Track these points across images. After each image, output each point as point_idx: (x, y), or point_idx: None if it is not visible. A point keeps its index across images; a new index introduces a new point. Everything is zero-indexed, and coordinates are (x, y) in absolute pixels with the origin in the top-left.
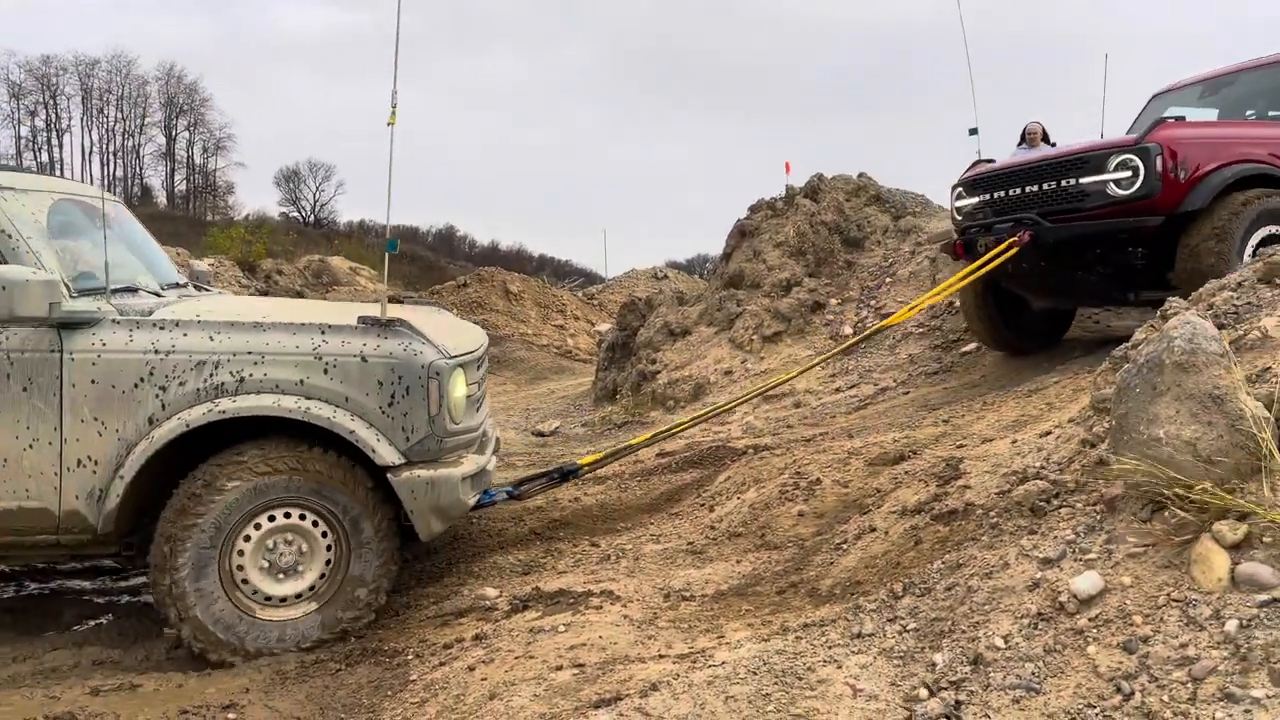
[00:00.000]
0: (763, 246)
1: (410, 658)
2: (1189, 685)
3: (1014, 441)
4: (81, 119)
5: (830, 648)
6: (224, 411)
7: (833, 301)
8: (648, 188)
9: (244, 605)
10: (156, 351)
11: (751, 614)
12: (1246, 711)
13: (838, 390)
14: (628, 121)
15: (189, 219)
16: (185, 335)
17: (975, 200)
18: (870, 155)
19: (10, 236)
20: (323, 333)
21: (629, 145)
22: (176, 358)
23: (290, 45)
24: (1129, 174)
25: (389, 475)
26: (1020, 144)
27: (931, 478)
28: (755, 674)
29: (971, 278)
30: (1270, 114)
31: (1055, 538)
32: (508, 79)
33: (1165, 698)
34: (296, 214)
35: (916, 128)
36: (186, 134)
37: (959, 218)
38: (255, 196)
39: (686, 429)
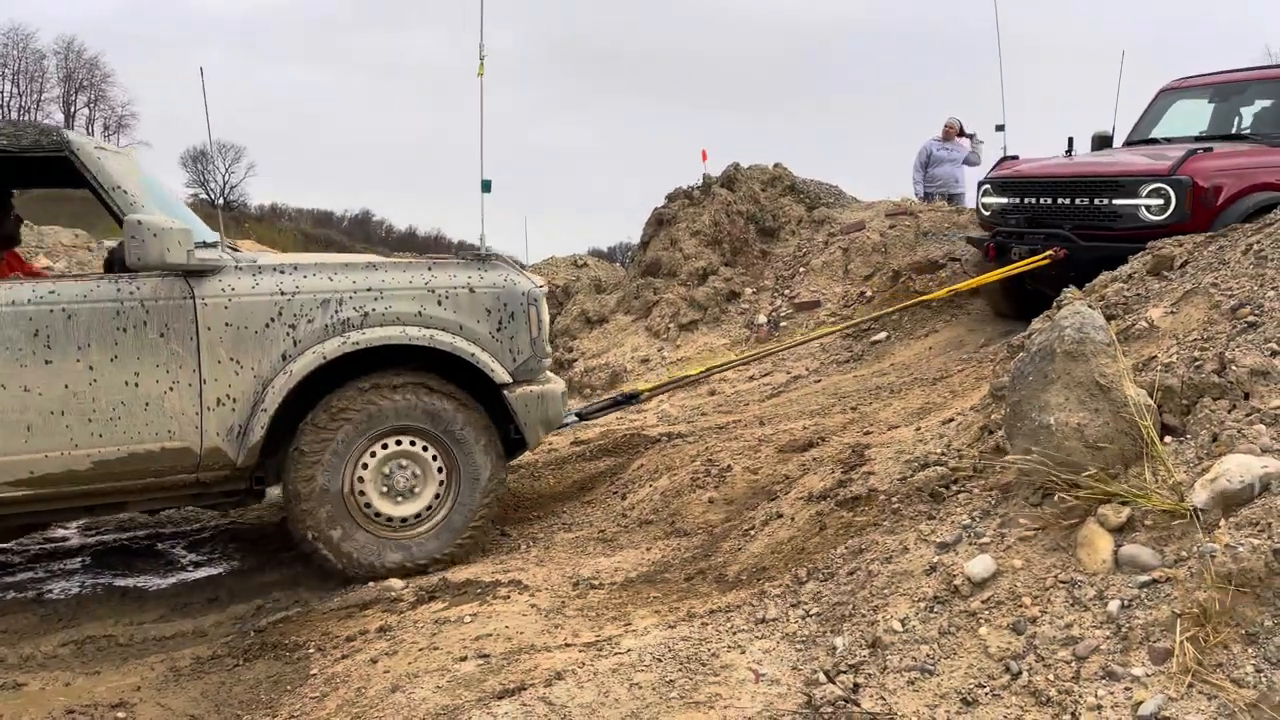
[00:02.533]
0: (680, 235)
1: (311, 651)
2: (1073, 664)
3: (918, 429)
4: None
5: (735, 633)
6: (356, 343)
7: (748, 291)
8: (571, 174)
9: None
10: (283, 293)
11: (659, 601)
12: (1127, 689)
13: (751, 378)
14: (551, 107)
15: (89, 199)
16: (306, 277)
17: (1005, 201)
18: (786, 147)
19: (127, 192)
20: (430, 269)
21: (552, 131)
22: (302, 298)
23: (199, 24)
24: (1161, 201)
25: (505, 392)
26: (937, 137)
27: (837, 464)
28: (660, 661)
29: (1000, 275)
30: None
31: (952, 522)
32: (428, 61)
33: (1051, 676)
34: (205, 196)
35: (832, 122)
36: (86, 110)
37: (985, 213)
38: (161, 177)
39: (737, 366)
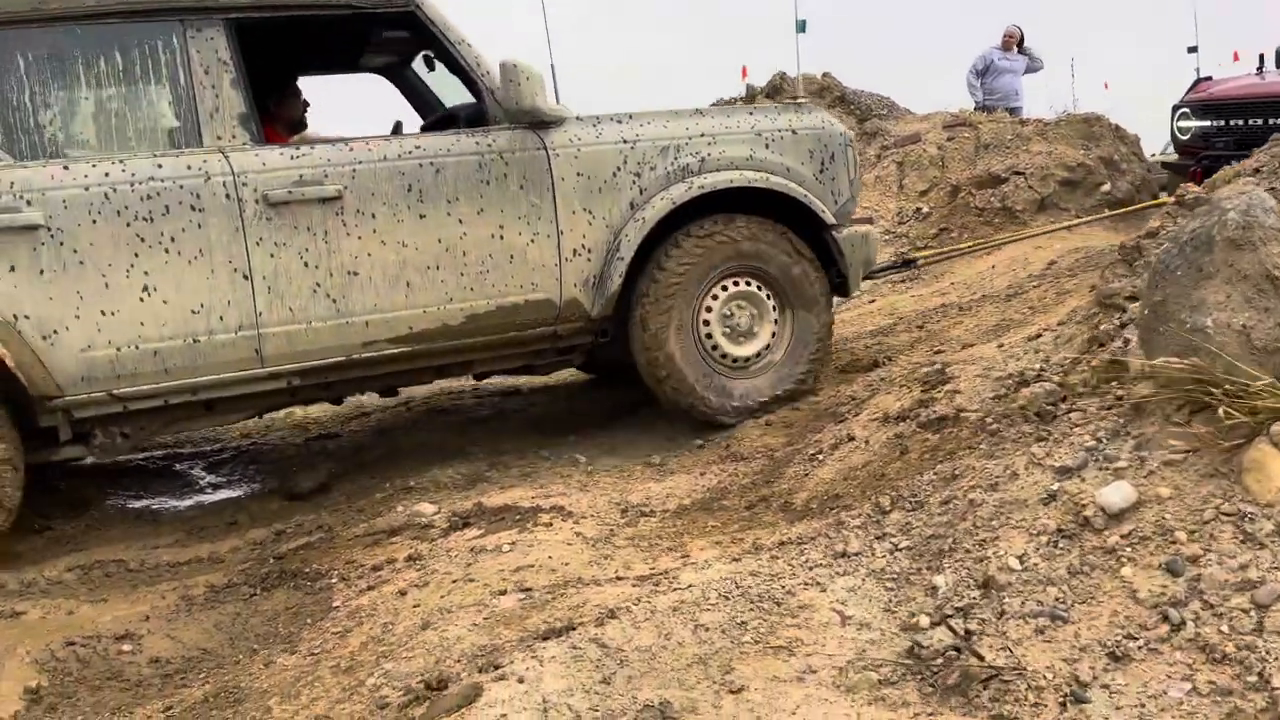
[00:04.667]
0: None
1: (334, 581)
2: (1253, 614)
3: (1001, 345)
4: None
5: (811, 568)
6: (702, 187)
7: None
8: (606, 89)
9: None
10: (625, 141)
11: (719, 531)
12: None
13: None
14: (587, 17)
15: None
16: (643, 126)
17: (1207, 124)
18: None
19: (471, 46)
20: (751, 114)
21: (587, 44)
22: (644, 146)
23: None
24: None
25: (833, 233)
26: (996, 46)
27: (914, 383)
28: (727, 599)
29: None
30: None
31: (1072, 444)
32: None
33: (1225, 628)
34: None
35: (879, 40)
36: None
37: (1182, 138)
38: None
39: (1021, 240)
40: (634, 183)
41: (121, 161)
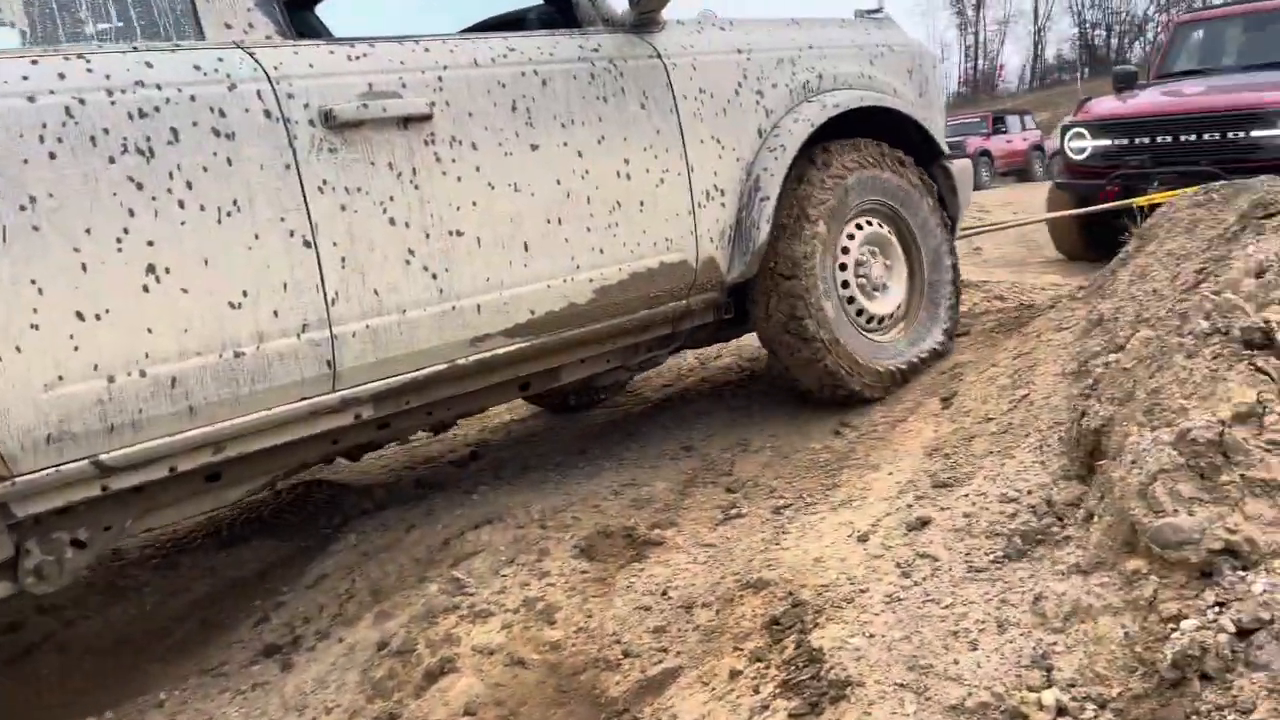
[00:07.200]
0: None
1: None
2: None
3: (860, 538)
4: None
5: None
6: (837, 106)
7: None
8: None
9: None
10: (739, 51)
11: None
12: None
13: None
14: None
15: None
16: (749, 33)
17: (1110, 143)
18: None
19: None
20: (842, 26)
21: None
22: (760, 56)
23: None
24: None
25: (944, 162)
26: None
27: (757, 661)
28: None
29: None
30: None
31: None
32: None
33: None
34: None
35: None
36: None
37: (1077, 158)
38: None
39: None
40: (758, 103)
41: (85, 59)
